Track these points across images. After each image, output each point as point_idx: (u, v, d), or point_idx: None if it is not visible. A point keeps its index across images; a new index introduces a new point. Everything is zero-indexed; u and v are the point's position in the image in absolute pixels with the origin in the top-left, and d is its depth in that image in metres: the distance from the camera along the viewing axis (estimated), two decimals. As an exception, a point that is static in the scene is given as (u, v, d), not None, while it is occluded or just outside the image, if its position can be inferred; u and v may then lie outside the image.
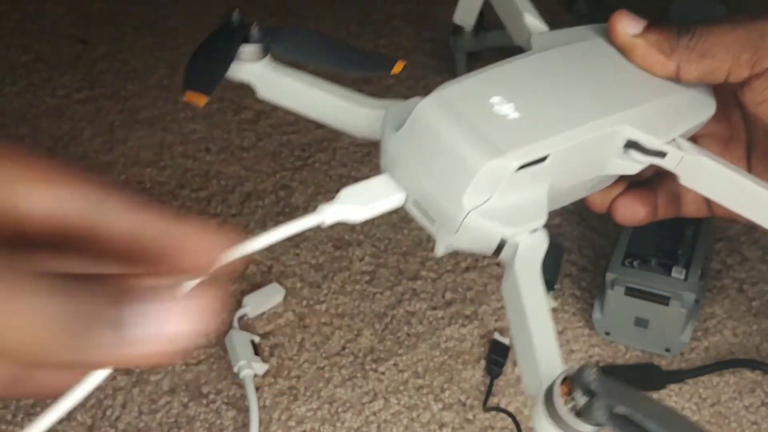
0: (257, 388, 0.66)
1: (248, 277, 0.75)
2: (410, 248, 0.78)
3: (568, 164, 0.35)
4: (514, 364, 0.68)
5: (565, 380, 0.28)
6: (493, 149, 0.32)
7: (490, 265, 0.76)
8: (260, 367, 0.66)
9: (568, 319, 0.71)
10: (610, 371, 0.67)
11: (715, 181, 0.36)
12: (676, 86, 0.38)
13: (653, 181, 0.43)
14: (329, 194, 0.89)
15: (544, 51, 0.39)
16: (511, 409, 0.64)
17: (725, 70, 0.37)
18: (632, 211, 0.42)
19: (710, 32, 0.38)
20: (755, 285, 0.73)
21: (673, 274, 0.65)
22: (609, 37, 0.39)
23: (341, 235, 0.79)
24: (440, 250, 0.35)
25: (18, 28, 1.09)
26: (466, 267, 0.76)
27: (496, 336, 0.69)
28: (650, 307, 0.65)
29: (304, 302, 0.73)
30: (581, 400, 0.28)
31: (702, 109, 0.39)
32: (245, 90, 1.08)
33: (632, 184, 0.42)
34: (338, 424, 0.64)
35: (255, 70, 0.40)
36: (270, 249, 0.78)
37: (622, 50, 0.39)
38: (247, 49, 0.40)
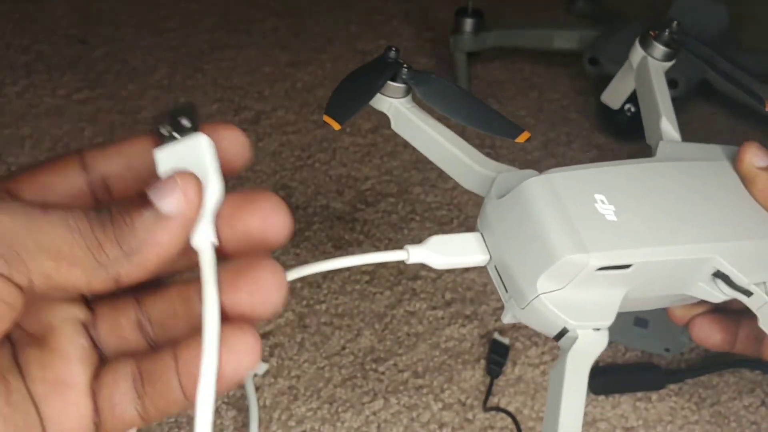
0: (257, 388, 0.66)
1: (248, 277, 0.75)
2: (410, 248, 0.78)
3: (650, 277, 0.35)
4: (514, 363, 0.68)
5: None
6: (579, 244, 0.33)
7: (490, 265, 0.76)
8: (260, 367, 0.67)
9: (568, 319, 0.71)
10: (609, 372, 0.67)
11: None
12: None
13: (741, 313, 0.41)
14: (329, 194, 0.90)
15: (666, 162, 0.39)
16: (511, 408, 0.64)
17: None
18: (708, 334, 0.41)
19: None
20: (755, 285, 0.73)
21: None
22: (735, 163, 0.39)
23: (341, 235, 0.79)
24: (506, 318, 0.37)
25: (18, 29, 1.09)
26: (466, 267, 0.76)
27: (496, 336, 0.69)
28: (650, 307, 0.65)
29: (304, 302, 0.73)
30: None
31: None
32: (245, 90, 1.09)
33: (718, 308, 0.42)
34: (338, 424, 0.64)
35: (394, 106, 0.43)
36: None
37: (744, 179, 0.38)
38: (393, 86, 0.42)
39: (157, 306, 0.29)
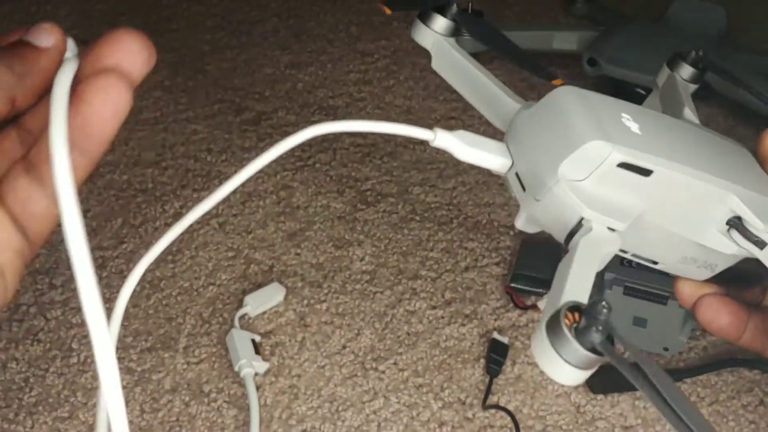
0: (258, 387, 0.66)
1: (249, 277, 0.75)
2: (410, 248, 0.78)
3: (669, 199, 0.35)
4: (513, 362, 0.68)
5: (576, 310, 0.29)
6: (604, 133, 0.33)
7: (490, 264, 0.76)
8: (261, 366, 0.67)
9: (567, 319, 0.71)
10: (608, 371, 0.67)
11: None
12: None
13: (753, 306, 0.40)
14: (330, 194, 0.90)
15: (694, 124, 0.40)
16: (510, 407, 0.65)
17: None
18: (715, 315, 0.39)
19: None
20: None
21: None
22: (756, 145, 0.39)
23: (341, 234, 0.80)
24: (519, 221, 0.37)
25: (20, 30, 1.09)
26: (466, 267, 0.76)
27: (495, 335, 0.69)
28: (648, 307, 0.65)
29: (305, 301, 0.73)
30: (584, 324, 0.29)
31: None
32: (246, 91, 1.09)
33: (729, 293, 0.40)
34: (339, 423, 0.64)
35: (438, 41, 0.44)
36: (270, 249, 0.78)
37: (764, 161, 0.38)
38: (442, 21, 0.44)
39: (35, 120, 0.31)
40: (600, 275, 0.67)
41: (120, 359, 0.69)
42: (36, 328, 0.71)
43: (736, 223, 0.35)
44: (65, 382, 0.67)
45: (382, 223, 0.81)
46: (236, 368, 0.66)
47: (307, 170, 0.87)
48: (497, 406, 0.65)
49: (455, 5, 0.43)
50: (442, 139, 0.35)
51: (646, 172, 0.34)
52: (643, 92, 0.88)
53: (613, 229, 0.34)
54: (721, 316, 0.39)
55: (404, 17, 1.14)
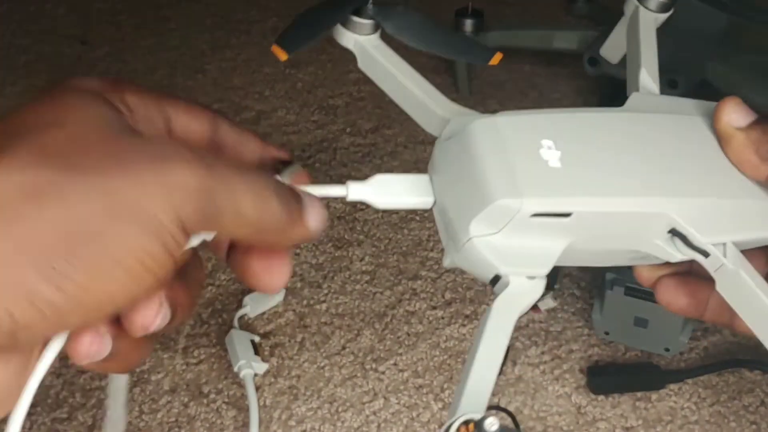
0: (257, 388, 0.66)
1: (248, 277, 0.75)
2: (410, 248, 0.78)
3: (595, 229, 0.33)
4: (514, 363, 0.68)
5: (469, 424, 0.28)
6: (513, 188, 0.32)
7: (490, 265, 0.76)
8: (260, 367, 0.67)
9: (568, 319, 0.71)
10: (609, 371, 0.67)
11: (744, 298, 0.34)
12: (760, 191, 0.35)
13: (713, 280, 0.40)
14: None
15: (632, 112, 0.37)
16: (510, 408, 0.64)
17: None
18: (673, 296, 0.38)
19: None
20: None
21: (673, 273, 0.65)
22: (713, 120, 0.36)
23: (341, 234, 0.79)
24: (446, 262, 0.36)
25: (19, 29, 1.09)
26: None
27: (496, 336, 0.69)
28: (649, 307, 0.65)
29: (305, 302, 0.73)
30: None
31: None
32: (245, 90, 1.09)
33: (692, 270, 0.39)
34: (338, 424, 0.64)
35: (359, 43, 0.41)
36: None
37: (720, 138, 0.36)
38: (358, 22, 0.41)
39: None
40: (601, 275, 0.67)
41: (119, 360, 0.68)
42: (34, 329, 0.71)
43: (677, 233, 0.34)
44: (64, 382, 0.67)
45: (382, 223, 0.80)
46: (235, 369, 0.66)
47: (306, 170, 0.87)
48: (498, 407, 0.64)
49: (369, 3, 0.40)
50: (355, 192, 0.35)
51: (564, 215, 0.32)
52: (643, 92, 0.88)
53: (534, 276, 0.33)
54: (679, 298, 0.38)
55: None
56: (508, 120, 0.34)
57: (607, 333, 0.68)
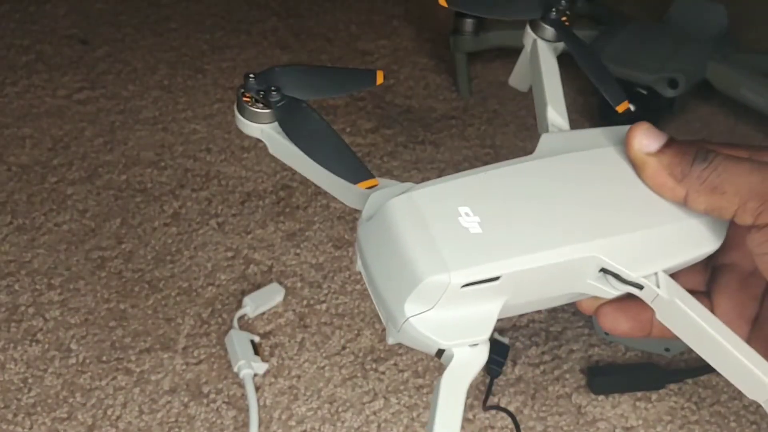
0: (257, 388, 0.66)
1: (248, 277, 0.75)
2: (410, 248, 0.78)
3: (527, 284, 0.34)
4: (514, 363, 0.68)
5: None
6: (439, 264, 0.32)
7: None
8: (260, 367, 0.67)
9: (568, 319, 0.71)
10: (609, 371, 0.67)
11: (684, 325, 0.34)
12: (682, 213, 0.36)
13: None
14: (329, 194, 0.89)
15: (544, 158, 0.37)
16: (511, 408, 0.64)
17: (732, 211, 0.34)
18: (613, 323, 0.38)
19: (727, 167, 0.35)
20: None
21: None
22: (625, 148, 0.37)
23: (341, 234, 0.79)
24: (389, 340, 0.36)
25: (19, 29, 1.09)
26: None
27: (496, 336, 0.69)
28: (650, 307, 0.65)
29: (305, 302, 0.73)
30: None
31: (704, 241, 0.36)
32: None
33: (630, 295, 0.38)
34: (338, 424, 0.64)
35: (266, 131, 0.42)
36: (270, 249, 0.78)
37: (634, 166, 0.36)
38: (259, 113, 0.41)
39: None
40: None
41: (119, 360, 0.68)
42: (34, 329, 0.71)
43: (609, 272, 0.34)
44: (64, 382, 0.67)
45: (382, 223, 0.80)
46: (235, 369, 0.66)
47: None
48: (498, 407, 0.64)
49: (273, 92, 0.40)
50: None
51: (494, 279, 0.33)
52: (643, 92, 0.88)
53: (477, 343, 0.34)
54: (620, 323, 0.39)
55: (404, 16, 1.14)
56: (422, 193, 0.34)
57: (607, 333, 0.68)
